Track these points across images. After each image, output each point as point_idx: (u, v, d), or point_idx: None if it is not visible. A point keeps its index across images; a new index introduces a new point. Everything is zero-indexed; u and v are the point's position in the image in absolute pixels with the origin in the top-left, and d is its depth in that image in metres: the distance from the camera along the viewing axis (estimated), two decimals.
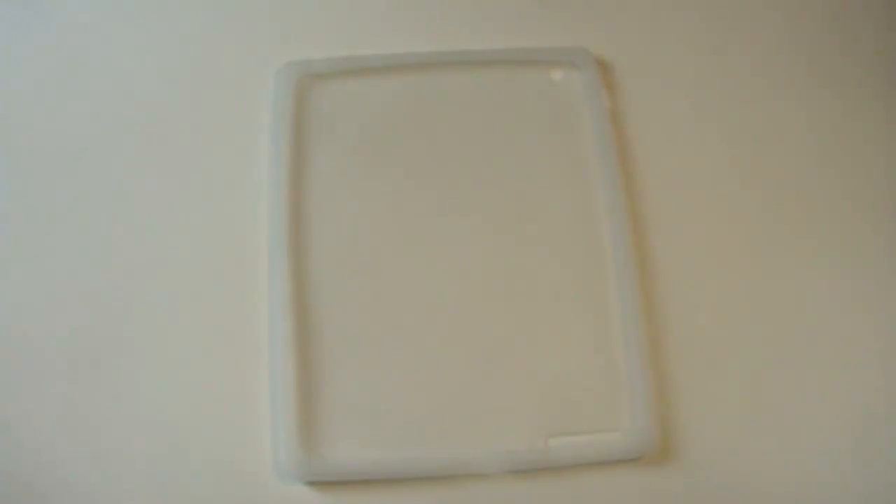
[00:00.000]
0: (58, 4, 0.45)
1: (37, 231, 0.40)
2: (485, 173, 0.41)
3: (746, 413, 0.38)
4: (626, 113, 0.43)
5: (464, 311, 0.39)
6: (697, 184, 0.42)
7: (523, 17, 0.45)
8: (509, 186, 0.41)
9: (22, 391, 0.38)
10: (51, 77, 0.43)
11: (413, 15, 0.45)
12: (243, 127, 0.42)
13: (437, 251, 0.40)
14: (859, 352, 0.39)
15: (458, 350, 0.38)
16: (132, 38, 0.44)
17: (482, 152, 0.42)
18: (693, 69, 0.44)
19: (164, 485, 0.36)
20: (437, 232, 0.40)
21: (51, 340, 0.38)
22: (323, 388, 0.37)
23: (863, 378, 0.39)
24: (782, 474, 0.37)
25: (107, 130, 0.42)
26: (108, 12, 0.45)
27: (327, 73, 0.42)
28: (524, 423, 0.37)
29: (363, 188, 0.41)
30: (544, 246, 0.40)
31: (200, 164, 0.42)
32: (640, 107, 0.43)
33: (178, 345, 0.38)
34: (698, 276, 0.40)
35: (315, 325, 0.38)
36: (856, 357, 0.39)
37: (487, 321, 0.39)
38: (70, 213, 0.40)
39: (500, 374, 0.38)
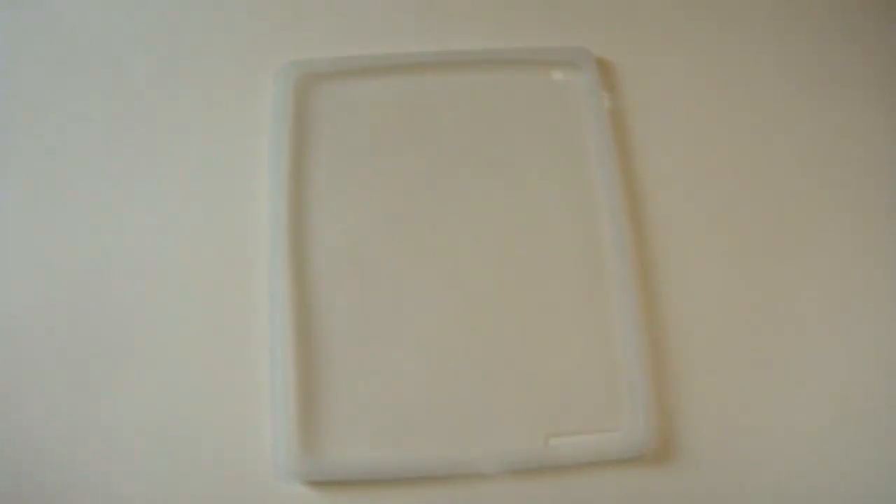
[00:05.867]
0: (57, 4, 0.45)
1: (36, 231, 0.40)
2: (484, 173, 0.41)
3: (746, 413, 0.38)
4: (626, 113, 0.43)
5: (464, 310, 0.39)
6: (697, 184, 0.42)
7: (523, 17, 0.45)
8: (509, 186, 0.41)
9: (21, 392, 0.38)
10: (50, 76, 0.43)
11: (413, 15, 0.45)
12: (243, 127, 0.42)
13: (437, 251, 0.40)
14: (859, 352, 0.39)
15: (458, 350, 0.38)
16: (132, 38, 0.44)
17: (482, 152, 0.42)
18: (693, 69, 0.44)
19: (164, 484, 0.36)
20: (437, 231, 0.40)
21: (50, 342, 0.38)
22: (323, 388, 0.37)
23: (862, 378, 0.39)
24: (782, 474, 0.37)
25: (106, 130, 0.42)
26: (107, 12, 0.45)
27: (327, 73, 0.42)
28: (524, 423, 0.37)
29: (363, 188, 0.41)
30: (544, 245, 0.40)
31: (201, 164, 0.42)
32: (640, 107, 0.43)
33: (179, 345, 0.38)
34: (698, 276, 0.40)
35: (315, 325, 0.38)
36: (855, 357, 0.39)
37: (488, 321, 0.39)
38: (70, 213, 0.40)
39: (500, 374, 0.38)
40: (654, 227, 0.41)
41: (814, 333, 0.39)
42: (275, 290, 0.38)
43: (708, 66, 0.44)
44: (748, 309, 0.40)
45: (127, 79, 0.43)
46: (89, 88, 0.43)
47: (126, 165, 0.41)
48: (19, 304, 0.39)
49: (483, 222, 0.40)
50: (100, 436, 0.37)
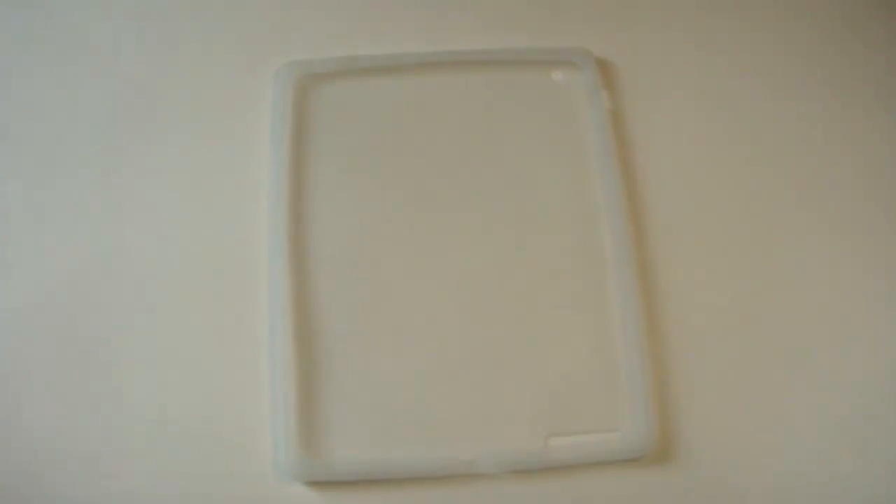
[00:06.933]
0: (57, 4, 0.45)
1: (37, 231, 0.40)
2: (484, 173, 0.41)
3: (746, 413, 0.38)
4: (626, 113, 0.43)
5: (464, 310, 0.39)
6: (697, 184, 0.42)
7: (523, 17, 0.45)
8: (509, 186, 0.41)
9: (21, 392, 0.38)
10: (50, 77, 0.43)
11: (413, 15, 0.45)
12: (243, 127, 0.42)
13: (437, 251, 0.40)
14: (859, 351, 0.39)
15: (458, 350, 0.38)
16: (132, 38, 0.44)
17: (482, 152, 0.42)
18: (693, 69, 0.44)
19: (164, 484, 0.36)
20: (437, 232, 0.40)
21: (50, 341, 0.38)
22: (323, 389, 0.37)
23: (863, 377, 0.39)
24: (782, 474, 0.37)
25: (106, 130, 0.42)
26: (107, 12, 0.45)
27: (327, 73, 0.42)
28: (524, 423, 0.37)
29: (363, 188, 0.41)
30: (544, 245, 0.40)
31: (201, 164, 0.42)
32: (640, 107, 0.43)
33: (179, 345, 0.38)
34: (698, 276, 0.40)
35: (315, 325, 0.38)
36: (856, 356, 0.39)
37: (487, 321, 0.39)
38: (70, 214, 0.40)
39: (500, 374, 0.38)
40: (654, 226, 0.41)
41: (814, 333, 0.39)
42: (275, 289, 0.38)
43: (708, 65, 0.44)
44: (748, 309, 0.40)
45: (127, 79, 0.43)
46: (89, 88, 0.43)
47: (126, 165, 0.41)
48: (19, 304, 0.39)
49: (483, 222, 0.40)
50: (99, 435, 0.37)
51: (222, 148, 0.42)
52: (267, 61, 0.43)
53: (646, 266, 0.40)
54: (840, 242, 0.41)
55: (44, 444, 0.37)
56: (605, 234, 0.40)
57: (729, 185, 0.42)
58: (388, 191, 0.41)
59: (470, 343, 0.38)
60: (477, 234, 0.40)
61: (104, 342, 0.38)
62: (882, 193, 0.42)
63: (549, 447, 0.37)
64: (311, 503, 0.36)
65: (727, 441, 0.38)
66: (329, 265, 0.39)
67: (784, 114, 0.44)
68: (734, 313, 0.40)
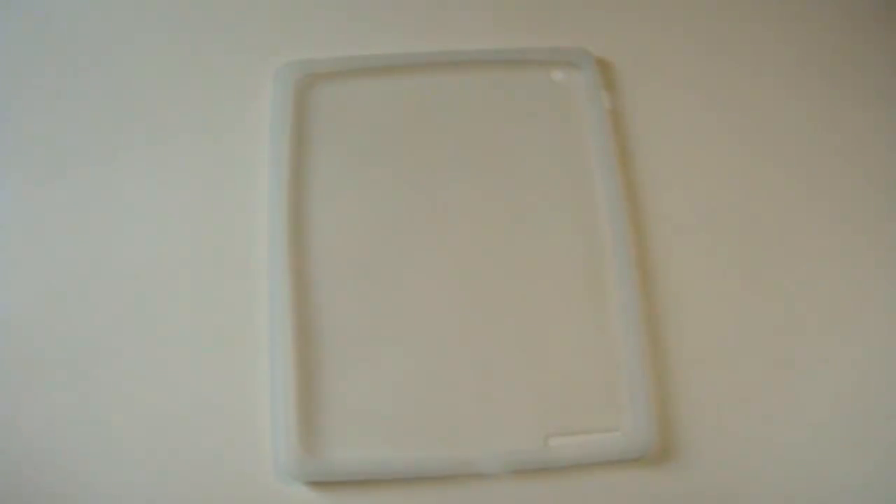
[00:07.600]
0: (58, 4, 0.45)
1: (36, 231, 0.40)
2: (484, 173, 0.41)
3: (746, 413, 0.38)
4: (626, 113, 0.43)
5: (464, 310, 0.39)
6: (697, 183, 0.42)
7: (523, 17, 0.45)
8: (509, 186, 0.41)
9: (21, 392, 0.37)
10: (50, 77, 0.43)
11: (413, 15, 0.45)
12: (243, 127, 0.42)
13: (437, 251, 0.40)
14: (859, 352, 0.39)
15: (458, 350, 0.38)
16: (132, 38, 0.44)
17: (482, 152, 0.42)
18: (693, 69, 0.44)
19: (164, 484, 0.36)
20: (437, 232, 0.40)
21: (50, 341, 0.38)
22: (323, 389, 0.37)
23: (863, 378, 0.39)
24: (783, 474, 0.37)
25: (106, 130, 0.42)
26: (107, 12, 0.45)
27: (327, 73, 0.42)
28: (524, 423, 0.37)
29: (363, 188, 0.41)
30: (544, 246, 0.40)
31: (200, 164, 0.42)
32: (640, 107, 0.43)
33: (179, 345, 0.38)
34: (698, 276, 0.40)
35: (315, 325, 0.38)
36: (856, 357, 0.39)
37: (488, 321, 0.39)
38: (70, 213, 0.40)
39: (500, 374, 0.38)
40: (655, 227, 0.41)
41: (814, 333, 0.39)
42: (275, 289, 0.38)
43: (708, 65, 0.44)
44: (748, 309, 0.40)
45: (126, 79, 0.43)
46: (89, 88, 0.43)
47: (126, 165, 0.41)
48: (19, 304, 0.39)
49: (483, 222, 0.40)
50: (99, 436, 0.37)
51: (222, 148, 0.42)
52: (267, 61, 0.43)
53: (646, 266, 0.40)
54: (841, 242, 0.41)
55: (42, 444, 0.37)
56: (606, 234, 0.40)
57: (729, 184, 0.42)
58: (387, 191, 0.41)
59: (470, 343, 0.38)
60: (477, 234, 0.40)
61: (104, 344, 0.38)
62: (884, 192, 0.42)
63: (549, 447, 0.37)
64: (311, 503, 0.36)
65: (727, 441, 0.38)
66: (329, 265, 0.39)
67: (785, 112, 0.44)
68: (734, 313, 0.40)
